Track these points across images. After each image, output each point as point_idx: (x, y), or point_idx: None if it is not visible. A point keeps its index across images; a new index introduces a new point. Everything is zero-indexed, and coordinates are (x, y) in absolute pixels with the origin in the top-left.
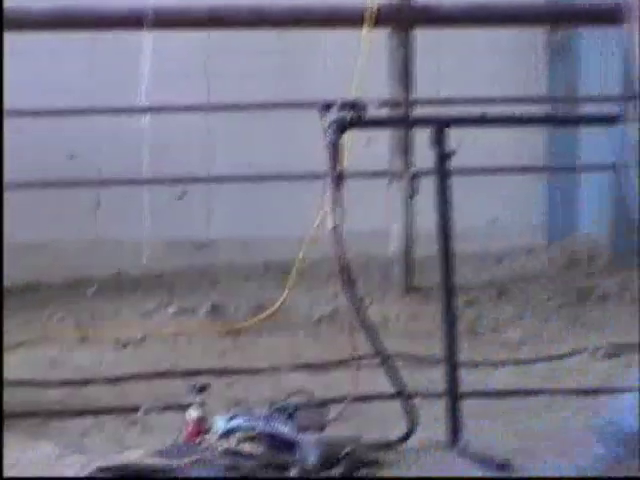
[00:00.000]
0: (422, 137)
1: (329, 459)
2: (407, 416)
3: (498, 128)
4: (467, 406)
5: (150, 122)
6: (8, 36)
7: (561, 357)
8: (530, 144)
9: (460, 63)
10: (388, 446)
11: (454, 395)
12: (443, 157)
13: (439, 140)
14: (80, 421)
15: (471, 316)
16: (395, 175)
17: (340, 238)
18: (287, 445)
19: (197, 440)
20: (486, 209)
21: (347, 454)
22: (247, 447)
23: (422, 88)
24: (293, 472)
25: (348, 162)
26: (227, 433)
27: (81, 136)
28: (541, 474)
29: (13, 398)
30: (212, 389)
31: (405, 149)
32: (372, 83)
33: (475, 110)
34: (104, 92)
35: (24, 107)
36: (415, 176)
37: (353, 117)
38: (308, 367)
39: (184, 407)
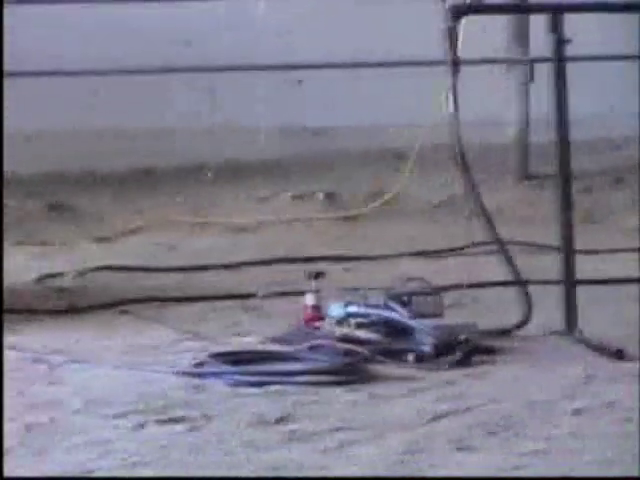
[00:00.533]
0: (539, 24)
1: (445, 346)
2: (523, 303)
3: (616, 15)
4: (582, 293)
5: (267, 7)
6: None
7: None
8: None
9: None
10: (504, 333)
11: (570, 282)
12: (560, 43)
13: (556, 26)
14: (197, 307)
15: (587, 203)
16: (512, 62)
17: (457, 124)
18: (403, 331)
19: (313, 326)
20: (603, 96)
21: (463, 341)
22: (363, 333)
23: None
24: (410, 358)
25: (465, 49)
26: (343, 319)
27: (197, 22)
28: None
29: (131, 283)
30: (328, 276)
31: (522, 36)
32: None
33: None
34: None
35: None
36: (532, 63)
37: (471, 2)
38: (424, 254)
39: (300, 293)
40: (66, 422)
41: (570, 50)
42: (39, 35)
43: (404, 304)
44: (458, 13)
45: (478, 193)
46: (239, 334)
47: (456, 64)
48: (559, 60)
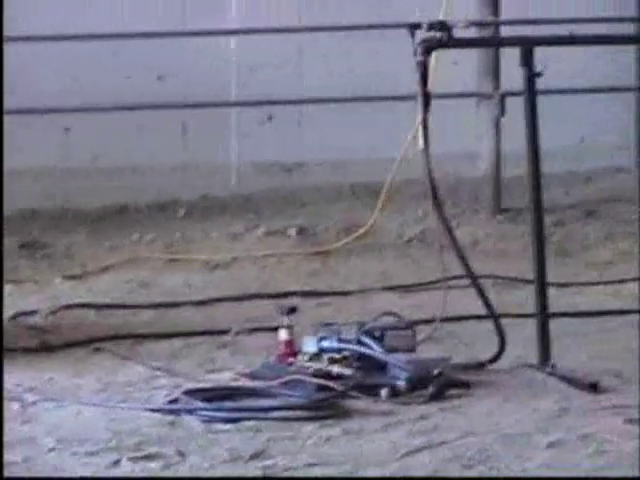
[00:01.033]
0: (509, 58)
1: (419, 380)
2: (497, 337)
3: (586, 48)
4: (556, 326)
5: (239, 44)
6: None
7: None
8: (619, 64)
9: None
10: (478, 367)
11: (544, 315)
12: (532, 77)
13: (528, 60)
14: (170, 343)
15: (560, 236)
16: (483, 96)
17: (429, 159)
18: (377, 366)
19: (287, 362)
20: (575, 129)
21: (437, 375)
22: (337, 368)
23: (509, 9)
24: (383, 393)
25: (436, 83)
26: (317, 354)
27: (170, 58)
28: (628, 395)
29: (103, 321)
30: (301, 311)
31: (493, 70)
32: (460, 4)
33: (563, 30)
34: (194, 14)
35: (117, 30)
36: (503, 97)
37: (441, 37)
38: (397, 288)
39: (274, 329)
40: (40, 461)
41: (541, 83)
42: (10, 72)
43: (377, 339)
44: (428, 48)
45: (450, 227)
46: (213, 371)
47: (427, 98)
48: (530, 93)
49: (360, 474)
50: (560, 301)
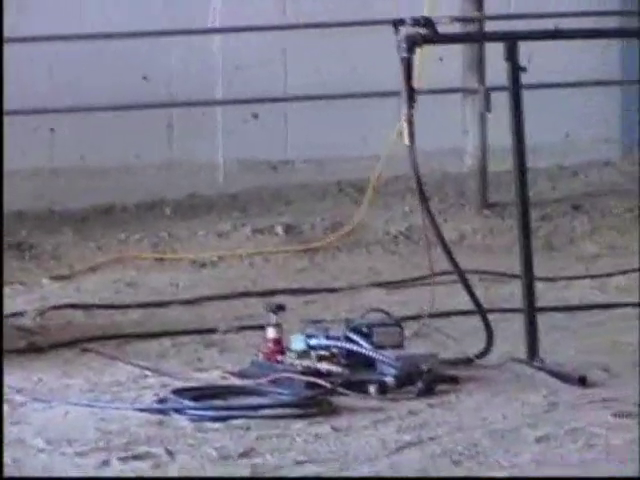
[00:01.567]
0: (493, 54)
1: (407, 376)
2: (485, 332)
3: (571, 42)
4: (544, 321)
5: (223, 42)
6: None
7: (637, 270)
8: (604, 58)
9: None
10: (466, 362)
11: (531, 310)
12: (516, 71)
13: (512, 55)
14: (158, 343)
15: (547, 231)
16: (468, 91)
17: (414, 155)
18: (365, 363)
19: (275, 360)
20: (560, 123)
21: (425, 371)
22: (325, 366)
23: (493, 4)
24: (372, 389)
25: (421, 79)
26: (305, 352)
27: (155, 57)
28: (617, 389)
29: (91, 321)
30: (289, 309)
31: (478, 65)
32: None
33: (547, 25)
34: (178, 13)
35: (102, 30)
36: (488, 92)
37: (426, 33)
38: (385, 284)
39: (261, 327)
40: (29, 462)
41: (526, 78)
42: None
43: (365, 335)
44: (413, 44)
45: (437, 223)
46: (201, 369)
47: (412, 94)
48: (515, 88)
49: (349, 471)
50: (547, 295)
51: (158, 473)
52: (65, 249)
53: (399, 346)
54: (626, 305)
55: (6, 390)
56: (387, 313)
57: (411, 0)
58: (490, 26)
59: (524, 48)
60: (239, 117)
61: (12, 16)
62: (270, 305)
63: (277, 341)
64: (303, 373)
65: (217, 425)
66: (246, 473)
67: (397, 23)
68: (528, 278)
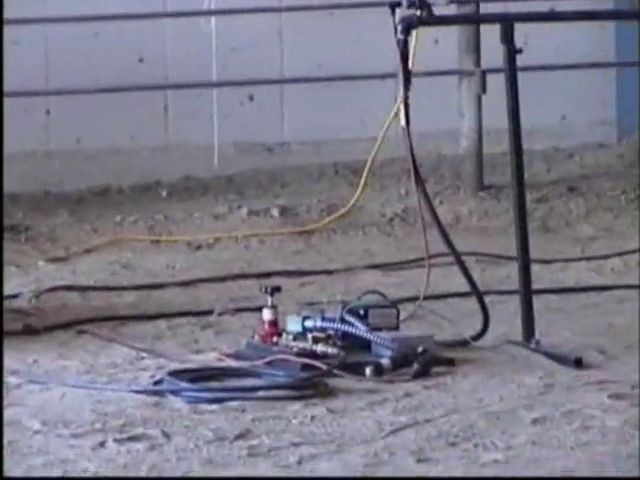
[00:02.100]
0: (489, 36)
1: (404, 358)
2: (481, 314)
3: (567, 24)
4: (540, 303)
5: (219, 24)
6: None
7: (633, 252)
8: (600, 40)
9: None
10: (462, 344)
11: (527, 292)
12: (512, 53)
13: (508, 36)
14: (154, 325)
15: (542, 213)
16: (464, 73)
17: (410, 137)
18: (361, 344)
19: (271, 342)
20: (556, 106)
21: (421, 352)
22: (321, 347)
23: None
24: (368, 371)
25: (417, 61)
26: (301, 334)
27: (150, 39)
28: (613, 371)
29: (87, 303)
30: (285, 291)
31: (474, 47)
32: None
33: (544, 7)
34: None
35: (97, 12)
36: (484, 74)
37: (422, 15)
38: (380, 266)
39: (257, 309)
40: (25, 443)
41: (521, 60)
42: None
43: (361, 317)
44: (409, 26)
45: (432, 205)
46: (197, 351)
47: (408, 76)
48: (511, 70)
49: (345, 452)
50: (543, 277)
51: (154, 454)
52: (61, 231)
53: (395, 328)
54: (622, 287)
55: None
56: (383, 295)
57: None
58: (486, 8)
59: (520, 30)
60: (235, 99)
61: None
62: (266, 287)
63: (273, 323)
64: (299, 355)
65: (213, 407)
66: (242, 455)
67: (393, 5)
68: (524, 260)
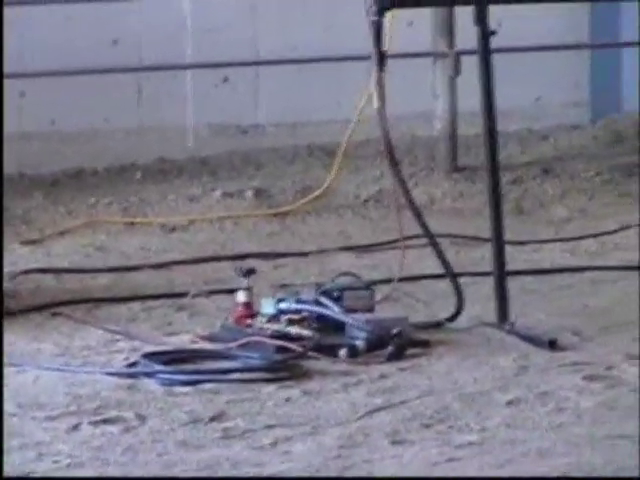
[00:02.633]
0: (463, 17)
1: (378, 340)
2: (455, 295)
3: (540, 5)
4: (514, 284)
5: (192, 5)
6: None
7: (607, 233)
8: (573, 21)
9: None
10: (436, 326)
11: (501, 274)
12: (486, 35)
13: (482, 18)
14: (128, 307)
15: (517, 194)
16: (438, 55)
17: (385, 118)
18: (335, 326)
19: (245, 324)
20: (530, 87)
21: (396, 334)
22: (295, 329)
23: None
24: (342, 353)
25: (391, 43)
26: (275, 316)
27: (124, 21)
28: (587, 352)
29: (61, 285)
30: (259, 273)
31: (448, 29)
32: None
33: None
34: None
35: None
36: (458, 56)
37: None
38: (355, 248)
39: (232, 291)
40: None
41: (496, 42)
42: None
43: (335, 299)
44: (383, 7)
45: (407, 187)
46: (171, 333)
47: (382, 58)
48: (485, 52)
49: (320, 434)
50: (518, 259)
51: (129, 437)
52: (35, 213)
53: (369, 310)
54: (596, 268)
55: None
56: (357, 277)
57: None
58: None
59: (494, 12)
60: (209, 81)
61: None
62: (240, 269)
63: (247, 305)
64: (273, 337)
65: (187, 389)
66: (217, 436)
67: None
68: (498, 242)
